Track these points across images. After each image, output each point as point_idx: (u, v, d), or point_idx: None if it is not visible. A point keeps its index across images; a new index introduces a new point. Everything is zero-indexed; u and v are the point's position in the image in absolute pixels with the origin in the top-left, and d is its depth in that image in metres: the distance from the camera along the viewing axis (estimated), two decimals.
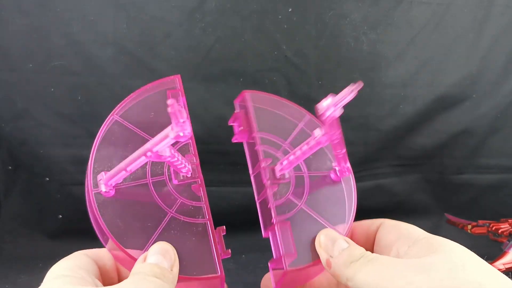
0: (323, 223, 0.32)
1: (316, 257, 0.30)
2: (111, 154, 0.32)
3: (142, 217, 0.30)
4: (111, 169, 0.30)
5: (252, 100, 0.38)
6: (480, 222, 0.78)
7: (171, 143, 0.25)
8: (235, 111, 0.38)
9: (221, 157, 0.75)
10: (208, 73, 0.70)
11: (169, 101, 0.23)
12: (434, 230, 0.84)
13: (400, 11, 0.71)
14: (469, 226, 0.78)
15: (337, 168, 0.35)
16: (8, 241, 0.74)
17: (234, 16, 0.68)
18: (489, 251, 0.67)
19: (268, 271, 0.33)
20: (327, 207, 0.34)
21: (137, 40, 0.67)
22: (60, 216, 0.76)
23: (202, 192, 0.31)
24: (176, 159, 0.29)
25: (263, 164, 0.34)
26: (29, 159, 0.73)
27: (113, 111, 0.34)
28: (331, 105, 0.27)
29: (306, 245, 0.31)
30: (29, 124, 0.70)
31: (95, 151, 0.33)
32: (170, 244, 0.28)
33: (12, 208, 0.75)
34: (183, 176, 0.32)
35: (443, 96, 0.78)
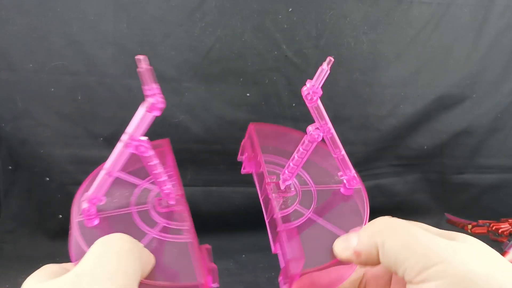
0: (333, 229, 0.32)
1: (328, 259, 0.29)
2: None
3: None
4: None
5: (257, 131, 0.38)
6: (480, 222, 0.78)
7: (147, 120, 0.26)
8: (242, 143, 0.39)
9: (221, 157, 0.75)
10: (208, 73, 0.70)
11: (140, 57, 0.23)
12: None
13: (400, 11, 0.71)
14: (469, 226, 0.78)
15: (344, 179, 0.34)
16: (8, 241, 0.74)
17: (234, 16, 0.68)
18: None
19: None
20: (336, 215, 0.33)
21: (137, 40, 0.67)
22: (60, 216, 0.76)
23: (186, 216, 0.31)
24: (155, 162, 0.29)
25: (267, 180, 0.34)
26: (29, 159, 0.73)
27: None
28: (310, 87, 0.28)
29: (316, 249, 0.30)
30: (29, 124, 0.70)
31: (84, 187, 0.32)
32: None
33: (12, 208, 0.76)
34: (167, 203, 0.32)
35: (443, 96, 0.78)
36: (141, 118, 0.25)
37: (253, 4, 0.68)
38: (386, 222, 0.27)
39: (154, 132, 0.81)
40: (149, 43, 0.68)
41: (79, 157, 0.73)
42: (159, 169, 0.30)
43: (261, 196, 0.35)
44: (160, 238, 0.29)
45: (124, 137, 0.25)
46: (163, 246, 0.29)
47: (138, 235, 0.29)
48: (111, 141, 0.72)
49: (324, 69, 0.29)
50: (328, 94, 0.74)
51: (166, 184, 0.31)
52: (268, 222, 0.33)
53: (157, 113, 0.24)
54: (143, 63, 0.22)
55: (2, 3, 0.63)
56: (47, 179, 0.74)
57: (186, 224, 0.30)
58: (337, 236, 0.30)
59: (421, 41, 0.74)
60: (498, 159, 0.84)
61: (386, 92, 0.76)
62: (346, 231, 0.30)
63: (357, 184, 0.34)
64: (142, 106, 0.24)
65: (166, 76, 0.70)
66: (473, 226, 0.78)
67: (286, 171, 0.34)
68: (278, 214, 0.31)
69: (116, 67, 0.68)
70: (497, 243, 0.73)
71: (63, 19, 0.65)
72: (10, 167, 0.74)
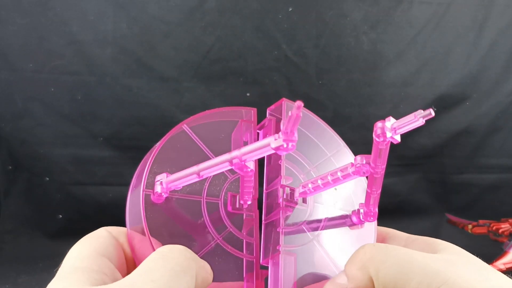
0: (332, 265, 0.29)
1: None
2: (171, 160, 0.29)
3: (187, 234, 0.28)
4: (168, 173, 0.28)
5: (287, 111, 0.33)
6: (481, 222, 0.78)
7: (267, 153, 0.23)
8: (266, 118, 0.34)
9: None
10: (208, 72, 0.70)
11: (297, 104, 0.21)
12: (434, 230, 0.84)
13: (401, 11, 0.71)
14: (470, 226, 0.78)
15: (362, 210, 0.30)
16: (8, 241, 0.74)
17: (234, 15, 0.68)
18: (489, 251, 0.67)
19: None
20: (340, 248, 0.30)
21: (137, 39, 0.67)
22: (60, 216, 0.76)
23: (255, 228, 0.29)
24: (252, 178, 0.27)
25: (283, 181, 0.30)
26: (29, 159, 0.73)
27: (183, 121, 0.32)
28: (390, 129, 0.23)
29: (308, 283, 0.27)
30: (29, 124, 0.70)
31: (156, 153, 0.29)
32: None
33: (12, 208, 0.75)
34: (239, 204, 0.29)
35: (443, 96, 0.78)
36: (262, 149, 0.22)
37: (253, 4, 0.68)
38: (372, 249, 0.25)
39: (154, 132, 0.82)
40: (149, 43, 0.68)
41: (79, 157, 0.72)
42: (251, 183, 0.28)
43: (266, 189, 0.32)
44: (223, 247, 0.28)
45: (235, 154, 0.24)
46: (222, 257, 0.27)
47: (202, 233, 0.28)
48: (111, 141, 0.72)
49: (412, 120, 0.24)
50: (328, 93, 0.74)
51: (247, 195, 0.29)
52: (266, 224, 0.30)
53: (280, 153, 0.23)
54: (297, 110, 0.20)
55: (2, 3, 0.63)
56: (47, 179, 0.74)
57: (252, 239, 0.28)
58: (333, 271, 0.28)
59: (421, 41, 0.74)
60: (498, 159, 0.84)
61: (386, 91, 0.76)
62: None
63: (373, 221, 0.30)
64: (271, 140, 0.22)
65: (166, 76, 0.70)
66: (473, 226, 0.78)
67: (309, 185, 0.29)
68: (283, 229, 0.28)
69: (116, 67, 0.68)
70: (497, 243, 0.73)
71: (63, 19, 0.65)
72: (10, 167, 0.74)
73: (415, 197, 0.87)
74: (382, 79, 0.75)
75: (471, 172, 0.85)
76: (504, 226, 0.74)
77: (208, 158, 0.28)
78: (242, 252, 0.28)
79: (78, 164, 0.73)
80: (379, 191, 0.28)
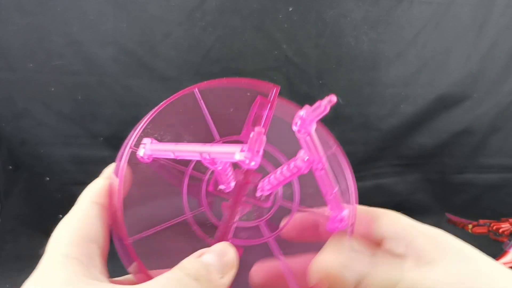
0: (287, 273, 0.27)
1: None
2: (167, 124, 0.28)
3: (160, 200, 0.27)
4: (160, 139, 0.27)
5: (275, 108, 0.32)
6: (481, 221, 0.78)
7: (230, 161, 0.23)
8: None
9: None
10: (208, 72, 0.70)
11: (257, 129, 0.21)
12: None
13: (401, 11, 0.71)
14: (470, 226, 0.78)
15: (331, 215, 0.27)
16: (9, 241, 0.74)
17: (234, 15, 0.68)
18: (489, 250, 0.67)
19: None
20: (302, 257, 0.27)
21: (137, 39, 0.67)
22: (61, 215, 0.76)
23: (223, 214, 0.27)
24: (226, 172, 0.26)
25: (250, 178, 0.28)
26: (30, 159, 0.73)
27: (196, 85, 0.29)
28: (300, 118, 0.22)
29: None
30: (30, 124, 0.70)
31: (156, 113, 0.27)
32: (234, 248, 0.24)
33: (13, 207, 0.75)
34: (219, 188, 0.28)
35: (443, 96, 0.78)
36: (227, 155, 0.22)
37: (253, 3, 0.68)
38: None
39: None
40: (149, 42, 0.68)
41: (79, 157, 0.73)
42: (226, 175, 0.27)
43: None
44: (190, 224, 0.27)
45: (206, 149, 0.23)
46: (184, 235, 0.27)
47: (175, 204, 0.27)
48: (111, 141, 0.72)
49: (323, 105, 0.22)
50: (329, 93, 0.73)
51: (225, 185, 0.27)
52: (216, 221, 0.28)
53: (242, 166, 0.23)
54: (259, 134, 0.20)
55: (2, 3, 0.63)
56: (47, 179, 0.74)
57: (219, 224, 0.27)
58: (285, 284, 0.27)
59: (421, 40, 0.74)
60: (498, 159, 0.84)
61: (386, 91, 0.76)
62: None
63: (343, 227, 0.26)
64: (237, 151, 0.21)
65: (166, 76, 0.70)
66: (473, 226, 0.78)
67: (267, 180, 0.28)
68: (233, 223, 0.26)
69: (116, 67, 0.68)
70: (498, 242, 0.73)
71: (63, 19, 0.65)
72: (10, 167, 0.74)
73: (415, 197, 0.87)
74: (382, 79, 0.75)
75: (471, 172, 0.85)
76: (504, 226, 0.74)
77: (207, 130, 0.27)
78: (206, 235, 0.27)
79: (79, 164, 0.73)
80: (335, 189, 0.25)
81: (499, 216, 0.78)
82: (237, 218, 0.27)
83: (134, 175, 0.25)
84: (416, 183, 0.86)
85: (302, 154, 0.24)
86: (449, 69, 0.77)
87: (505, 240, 0.71)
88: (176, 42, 0.68)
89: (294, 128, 0.22)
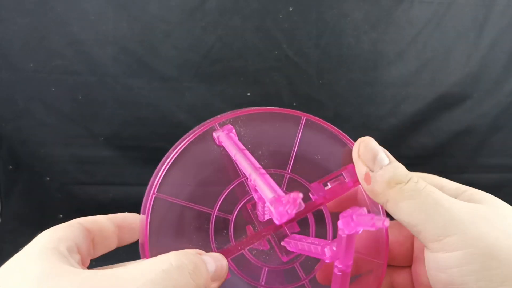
0: None
1: None
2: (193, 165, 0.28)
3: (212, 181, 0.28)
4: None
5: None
6: None
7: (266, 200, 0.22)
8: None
9: None
10: (209, 72, 0.70)
11: (299, 195, 0.20)
12: None
13: (401, 11, 0.71)
14: None
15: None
16: (9, 241, 0.74)
17: (235, 15, 0.68)
18: None
19: None
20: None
21: (138, 39, 0.67)
22: (61, 215, 0.76)
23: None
24: (262, 204, 0.25)
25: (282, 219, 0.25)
26: (30, 159, 0.73)
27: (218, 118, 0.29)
28: (352, 219, 0.21)
29: None
30: (30, 124, 0.70)
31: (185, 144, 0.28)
32: (226, 261, 0.24)
33: (13, 207, 0.75)
34: (256, 212, 0.28)
35: (444, 95, 0.78)
36: (264, 194, 0.22)
37: (253, 3, 0.68)
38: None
39: (154, 132, 0.82)
40: (150, 42, 0.68)
41: (79, 157, 0.72)
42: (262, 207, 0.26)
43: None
44: (219, 215, 0.27)
45: (253, 175, 0.23)
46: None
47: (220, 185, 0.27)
48: (112, 141, 0.72)
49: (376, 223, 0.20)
50: (329, 93, 0.74)
51: (261, 215, 0.27)
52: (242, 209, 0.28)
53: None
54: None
55: (3, 3, 0.63)
56: (48, 178, 0.74)
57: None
58: None
59: (422, 40, 0.74)
60: (499, 159, 0.84)
61: (387, 91, 0.76)
62: None
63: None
64: (271, 205, 0.21)
65: (167, 76, 0.70)
66: None
67: (293, 241, 0.27)
68: (243, 248, 0.26)
69: (117, 67, 0.68)
70: None
71: (64, 19, 0.65)
72: (10, 167, 0.74)
73: None
74: (382, 79, 0.75)
75: (472, 172, 0.85)
76: None
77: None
78: (214, 240, 0.27)
79: (79, 164, 0.73)
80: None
81: None
82: (250, 247, 0.27)
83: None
84: None
85: (334, 245, 0.23)
86: (449, 69, 0.77)
87: None
88: (177, 42, 0.68)
89: (340, 224, 0.22)
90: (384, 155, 0.25)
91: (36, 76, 0.67)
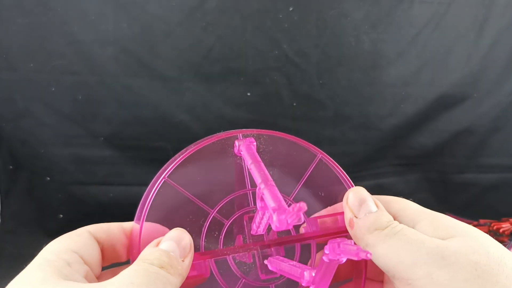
0: None
1: None
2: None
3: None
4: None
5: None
6: (481, 221, 0.78)
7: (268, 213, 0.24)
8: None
9: None
10: (209, 72, 0.70)
11: (302, 205, 0.21)
12: None
13: (401, 10, 0.71)
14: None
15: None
16: (9, 241, 0.74)
17: (235, 15, 0.68)
18: None
19: None
20: None
21: (138, 39, 0.67)
22: (61, 215, 0.76)
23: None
24: (261, 216, 0.26)
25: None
26: (30, 159, 0.73)
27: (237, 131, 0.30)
28: (338, 248, 0.22)
29: None
30: (30, 124, 0.70)
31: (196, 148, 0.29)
32: (187, 233, 0.26)
33: (13, 207, 0.75)
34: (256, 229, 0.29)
35: (444, 95, 0.78)
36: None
37: (253, 3, 0.68)
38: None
39: (154, 132, 0.82)
40: (150, 42, 0.68)
41: (79, 157, 0.72)
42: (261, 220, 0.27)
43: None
44: (216, 218, 0.29)
45: (262, 186, 0.24)
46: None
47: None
48: (112, 141, 0.72)
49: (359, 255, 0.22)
50: (329, 93, 0.74)
51: (257, 229, 0.28)
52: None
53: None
54: None
55: (3, 3, 0.63)
56: (48, 178, 0.74)
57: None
58: None
59: (422, 40, 0.74)
60: (499, 159, 0.84)
61: (387, 91, 0.76)
62: None
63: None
64: (273, 213, 0.22)
65: (167, 76, 0.70)
66: (474, 226, 0.78)
67: (277, 261, 0.28)
68: (226, 255, 0.28)
69: (117, 67, 0.68)
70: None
71: (64, 19, 0.65)
72: (10, 167, 0.74)
73: (416, 197, 0.87)
74: (382, 79, 0.75)
75: (472, 172, 0.85)
76: (505, 226, 0.74)
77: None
78: (203, 237, 0.29)
79: (79, 164, 0.73)
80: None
81: (499, 216, 0.78)
82: (235, 255, 0.28)
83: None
84: (417, 183, 0.86)
85: (314, 271, 0.25)
86: (449, 68, 0.77)
87: (506, 240, 0.71)
88: (177, 41, 0.68)
89: (326, 249, 0.23)
90: (372, 203, 0.27)
91: (36, 76, 0.67)
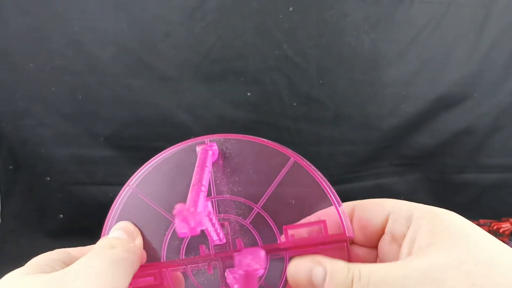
0: None
1: None
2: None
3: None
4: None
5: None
6: (481, 221, 0.78)
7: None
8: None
9: None
10: (209, 72, 0.70)
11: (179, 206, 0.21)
12: None
13: (401, 10, 0.71)
14: None
15: None
16: (9, 241, 0.74)
17: (235, 15, 0.68)
18: None
19: None
20: None
21: (138, 39, 0.67)
22: (61, 215, 0.76)
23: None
24: (213, 223, 0.26)
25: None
26: (30, 159, 0.73)
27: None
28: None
29: None
30: (30, 124, 0.70)
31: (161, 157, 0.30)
32: (133, 224, 0.28)
33: (13, 207, 0.76)
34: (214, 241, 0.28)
35: (444, 95, 0.78)
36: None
37: (253, 3, 0.68)
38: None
39: (154, 132, 0.82)
40: (150, 42, 0.68)
41: (79, 157, 0.72)
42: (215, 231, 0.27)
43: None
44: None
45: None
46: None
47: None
48: (112, 141, 0.72)
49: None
50: (329, 93, 0.74)
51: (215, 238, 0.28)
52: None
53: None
54: None
55: (3, 3, 0.63)
56: (48, 178, 0.74)
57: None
58: None
59: (422, 40, 0.74)
60: (499, 159, 0.84)
61: (387, 91, 0.76)
62: None
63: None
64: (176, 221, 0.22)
65: (167, 76, 0.70)
66: None
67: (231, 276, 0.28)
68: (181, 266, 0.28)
69: (117, 67, 0.68)
70: None
71: (64, 19, 0.65)
72: (10, 167, 0.74)
73: (416, 197, 0.87)
74: (382, 79, 0.75)
75: (472, 172, 0.85)
76: (505, 226, 0.74)
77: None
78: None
79: (79, 164, 0.73)
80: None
81: (499, 216, 0.78)
82: (194, 267, 0.28)
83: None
84: (417, 183, 0.86)
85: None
86: (449, 69, 0.77)
87: (506, 240, 0.71)
88: (177, 42, 0.68)
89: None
90: (318, 270, 0.23)
91: (36, 76, 0.67)
